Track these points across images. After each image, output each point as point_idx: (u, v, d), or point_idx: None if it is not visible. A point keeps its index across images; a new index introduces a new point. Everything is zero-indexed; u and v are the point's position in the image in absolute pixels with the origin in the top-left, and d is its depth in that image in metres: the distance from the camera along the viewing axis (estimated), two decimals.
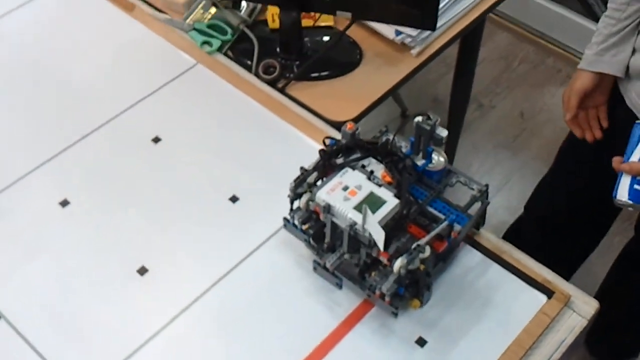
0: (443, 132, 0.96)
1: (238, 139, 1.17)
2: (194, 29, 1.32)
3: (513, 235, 1.56)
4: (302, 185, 0.95)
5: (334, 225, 0.92)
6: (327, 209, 0.91)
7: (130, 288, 0.99)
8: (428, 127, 0.95)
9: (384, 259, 0.89)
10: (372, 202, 0.90)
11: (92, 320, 0.96)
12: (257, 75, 1.30)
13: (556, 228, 1.48)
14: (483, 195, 0.99)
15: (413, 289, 0.92)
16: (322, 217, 0.91)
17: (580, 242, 1.55)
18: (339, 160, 0.98)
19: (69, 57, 1.28)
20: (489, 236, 1.05)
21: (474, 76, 1.82)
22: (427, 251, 0.88)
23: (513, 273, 1.01)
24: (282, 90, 1.28)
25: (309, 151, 1.15)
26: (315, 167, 0.96)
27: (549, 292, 0.98)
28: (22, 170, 1.11)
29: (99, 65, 1.27)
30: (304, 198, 0.93)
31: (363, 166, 0.98)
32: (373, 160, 0.98)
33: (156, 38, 1.31)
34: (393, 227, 0.90)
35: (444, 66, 2.21)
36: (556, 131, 2.14)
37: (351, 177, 0.94)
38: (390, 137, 1.00)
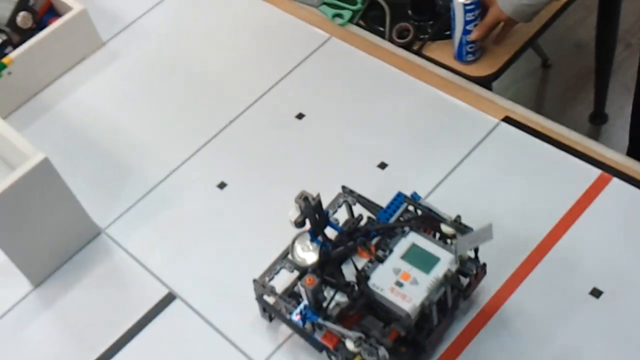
0: None
1: (379, 105, 1.17)
2: (324, 3, 1.32)
3: None
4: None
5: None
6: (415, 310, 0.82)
7: None
8: None
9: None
10: (425, 263, 0.84)
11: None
12: (391, 40, 1.28)
13: None
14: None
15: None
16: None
17: None
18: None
19: (208, 47, 1.32)
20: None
21: (620, 14, 1.71)
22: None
23: None
24: (418, 53, 1.26)
25: (454, 110, 1.13)
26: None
27: None
28: (180, 158, 1.16)
29: (237, 50, 1.30)
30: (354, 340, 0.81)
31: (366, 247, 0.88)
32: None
33: (288, 17, 1.33)
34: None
35: (583, 9, 2.08)
36: None
37: (380, 271, 0.85)
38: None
